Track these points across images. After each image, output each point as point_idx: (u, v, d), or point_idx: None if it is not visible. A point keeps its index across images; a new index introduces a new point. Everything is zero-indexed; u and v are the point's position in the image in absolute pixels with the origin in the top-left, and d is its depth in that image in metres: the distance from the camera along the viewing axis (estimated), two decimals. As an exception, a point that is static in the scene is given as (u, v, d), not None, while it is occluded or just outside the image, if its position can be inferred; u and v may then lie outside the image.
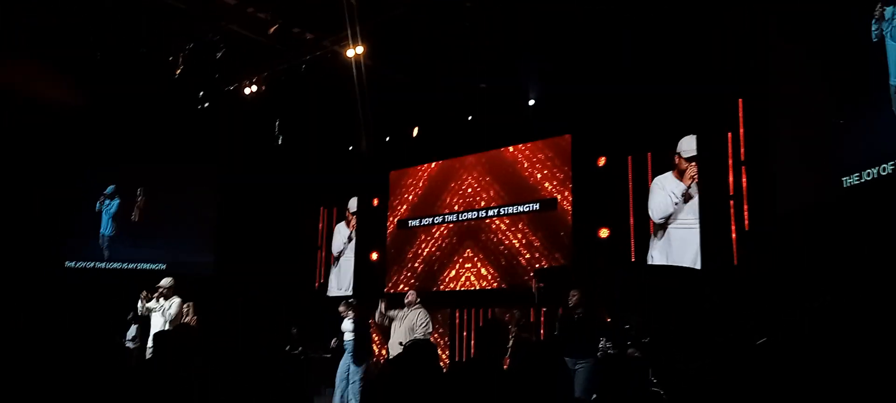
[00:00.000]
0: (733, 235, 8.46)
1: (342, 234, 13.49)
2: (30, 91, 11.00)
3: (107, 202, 13.74)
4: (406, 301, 8.85)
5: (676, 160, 9.15)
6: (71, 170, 13.47)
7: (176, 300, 8.73)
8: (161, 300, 8.67)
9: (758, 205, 8.17)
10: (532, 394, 3.24)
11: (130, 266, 13.55)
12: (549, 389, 3.15)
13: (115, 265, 13.56)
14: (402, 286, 12.02)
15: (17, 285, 11.12)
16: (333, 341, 9.79)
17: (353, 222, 13.26)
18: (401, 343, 8.09)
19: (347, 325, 9.17)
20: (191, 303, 9.14)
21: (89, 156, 13.48)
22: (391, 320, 8.81)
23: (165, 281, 8.85)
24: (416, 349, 3.61)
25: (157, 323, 8.57)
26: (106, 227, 13.74)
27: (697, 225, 8.77)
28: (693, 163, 8.98)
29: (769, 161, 7.69)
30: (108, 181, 13.86)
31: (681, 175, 9.09)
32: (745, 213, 8.35)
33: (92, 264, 13.52)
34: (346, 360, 8.97)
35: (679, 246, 8.92)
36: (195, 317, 9.03)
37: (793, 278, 7.07)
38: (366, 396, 3.19)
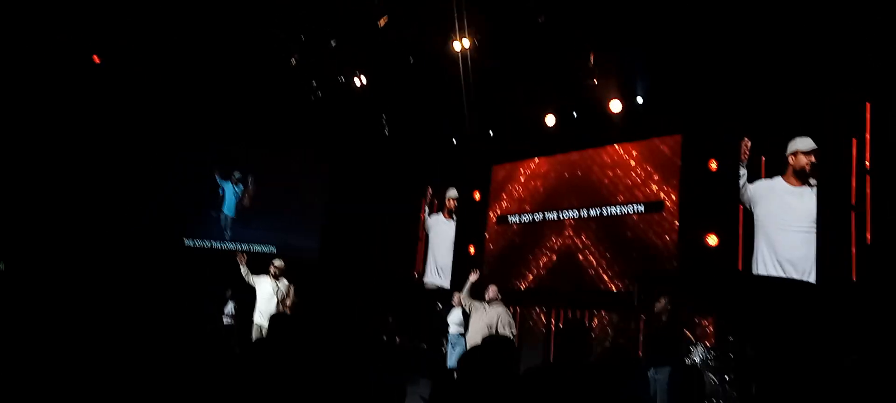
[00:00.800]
0: (853, 248, 7.88)
1: (439, 224, 13.57)
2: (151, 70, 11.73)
3: (230, 184, 14.33)
4: (487, 296, 8.31)
5: (792, 160, 8.57)
6: (192, 152, 14.18)
7: (285, 281, 9.13)
8: (276, 279, 9.10)
9: (881, 217, 7.56)
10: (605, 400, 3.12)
11: (244, 246, 14.15)
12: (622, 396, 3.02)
13: (231, 245, 14.19)
14: (496, 279, 11.98)
15: (137, 262, 11.89)
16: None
17: (450, 212, 13.27)
18: (477, 341, 7.92)
19: (455, 317, 9.13)
20: (292, 286, 9.46)
21: (212, 140, 14.14)
22: (471, 309, 8.44)
23: (279, 262, 9.27)
24: (494, 344, 3.54)
25: (267, 300, 8.93)
26: (230, 208, 14.35)
27: (812, 232, 8.21)
28: (809, 158, 8.38)
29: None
30: (229, 163, 14.45)
31: (799, 175, 8.51)
32: (868, 225, 7.75)
33: (209, 243, 14.20)
34: (452, 356, 8.83)
35: (792, 249, 8.40)
36: (295, 300, 9.30)
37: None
38: (437, 388, 3.14)
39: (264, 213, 14.28)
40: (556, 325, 10.95)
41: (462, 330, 8.32)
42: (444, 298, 11.44)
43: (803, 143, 8.46)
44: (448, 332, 9.60)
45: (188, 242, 14.11)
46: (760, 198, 8.86)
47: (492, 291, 8.32)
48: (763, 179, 8.85)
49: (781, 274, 8.35)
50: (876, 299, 7.20)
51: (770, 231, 8.66)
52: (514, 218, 12.18)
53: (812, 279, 8.12)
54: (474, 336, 8.01)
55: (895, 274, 7.10)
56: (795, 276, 8.19)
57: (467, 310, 8.51)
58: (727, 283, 8.84)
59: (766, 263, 8.63)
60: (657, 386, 6.86)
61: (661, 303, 7.41)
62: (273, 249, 13.60)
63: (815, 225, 8.22)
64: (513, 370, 3.71)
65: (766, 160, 8.92)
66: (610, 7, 8.91)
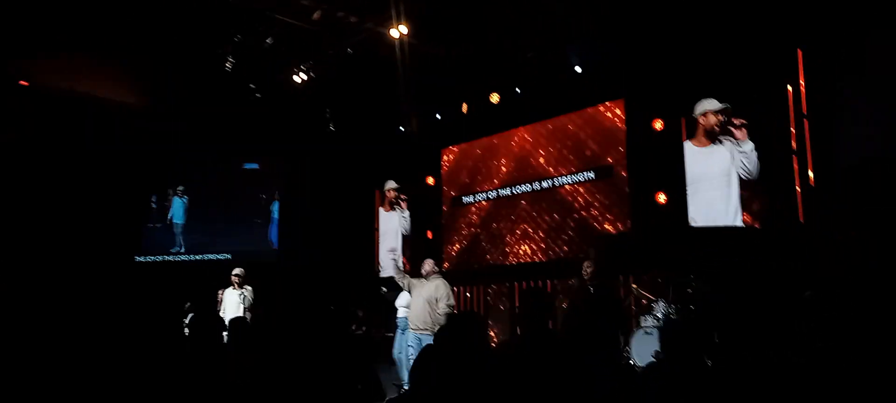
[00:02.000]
0: (798, 190, 8.12)
1: (384, 217, 13.60)
2: (86, 90, 11.39)
3: (176, 198, 14.02)
4: (424, 270, 8.19)
5: (702, 120, 8.90)
6: (132, 165, 13.80)
7: (249, 288, 9.17)
8: (240, 288, 9.24)
9: (821, 159, 7.81)
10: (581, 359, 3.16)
11: (198, 257, 13.89)
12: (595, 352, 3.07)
13: (184, 257, 13.91)
14: (456, 262, 12.03)
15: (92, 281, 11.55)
16: None
17: (398, 201, 13.26)
18: (419, 316, 7.87)
19: (403, 300, 9.14)
20: (249, 288, 9.48)
21: (149, 151, 13.76)
22: (411, 288, 8.35)
23: (239, 270, 9.36)
24: (462, 321, 3.56)
25: (235, 311, 8.96)
26: (179, 218, 14.04)
27: (731, 185, 8.53)
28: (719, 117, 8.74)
29: (832, 114, 7.35)
30: (172, 173, 14.12)
31: (709, 135, 8.81)
32: (810, 168, 7.99)
33: (161, 258, 13.89)
34: (401, 338, 8.85)
35: (713, 206, 8.73)
36: (252, 303, 9.30)
37: (863, 234, 6.76)
38: (414, 371, 3.13)
39: (216, 221, 14.03)
40: (520, 298, 11.05)
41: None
42: (389, 284, 11.49)
43: (711, 104, 8.84)
44: (397, 316, 9.60)
45: (140, 258, 13.78)
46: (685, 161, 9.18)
47: (428, 265, 8.24)
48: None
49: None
50: (823, 238, 7.43)
51: (693, 193, 9.02)
52: (468, 199, 12.22)
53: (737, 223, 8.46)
54: (415, 311, 8.00)
55: (839, 214, 7.33)
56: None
57: (407, 290, 8.48)
58: (680, 237, 9.03)
59: (695, 222, 8.96)
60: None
61: (587, 269, 7.44)
62: (228, 256, 13.42)
63: (728, 178, 8.59)
64: (484, 343, 3.73)
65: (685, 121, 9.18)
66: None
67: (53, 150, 11.96)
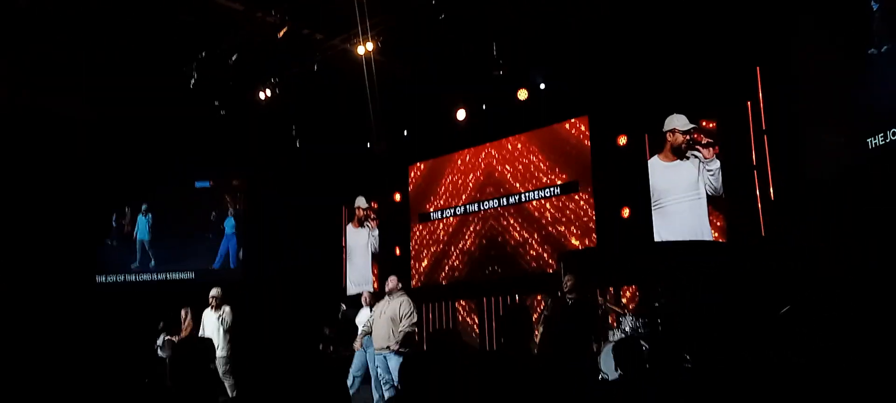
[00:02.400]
0: (759, 205, 8.33)
1: (352, 234, 13.55)
2: (49, 106, 11.15)
3: (140, 216, 13.79)
4: (387, 288, 8.15)
5: (670, 137, 9.11)
6: (92, 184, 13.53)
7: (227, 308, 9.05)
8: (217, 309, 9.09)
9: (782, 175, 8.03)
10: (560, 377, 3.20)
11: (160, 276, 13.65)
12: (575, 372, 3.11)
13: (146, 276, 13.66)
14: (424, 278, 12.02)
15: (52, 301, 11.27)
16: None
17: (368, 220, 13.23)
18: (382, 335, 7.85)
19: (363, 317, 9.11)
20: (188, 309, 9.36)
21: (109, 171, 13.51)
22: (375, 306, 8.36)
23: (216, 291, 9.21)
24: (439, 341, 3.57)
25: (214, 332, 8.90)
26: (143, 235, 13.80)
27: (699, 199, 8.74)
28: (686, 136, 8.97)
29: (791, 128, 7.56)
30: (128, 190, 13.88)
31: (676, 151, 9.00)
32: (770, 183, 8.21)
33: (122, 277, 13.62)
34: (359, 356, 8.79)
35: (680, 220, 8.92)
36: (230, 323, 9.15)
37: (824, 246, 6.95)
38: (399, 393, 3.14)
39: (173, 239, 13.81)
40: (492, 313, 11.09)
41: (370, 329, 8.35)
42: (348, 301, 11.50)
43: (680, 121, 9.09)
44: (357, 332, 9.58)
45: (100, 278, 13.49)
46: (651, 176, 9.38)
47: (391, 282, 8.22)
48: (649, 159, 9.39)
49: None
50: (784, 251, 7.62)
51: (659, 207, 9.21)
52: (436, 215, 12.24)
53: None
54: (379, 330, 7.97)
55: (800, 226, 7.52)
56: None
57: (370, 310, 8.59)
58: (644, 252, 9.17)
59: (660, 236, 9.15)
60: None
61: (568, 282, 7.57)
62: (191, 275, 13.23)
63: (696, 193, 8.82)
64: (460, 359, 3.74)
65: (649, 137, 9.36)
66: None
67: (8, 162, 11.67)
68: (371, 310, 8.72)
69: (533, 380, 2.95)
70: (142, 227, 13.73)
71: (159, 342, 10.75)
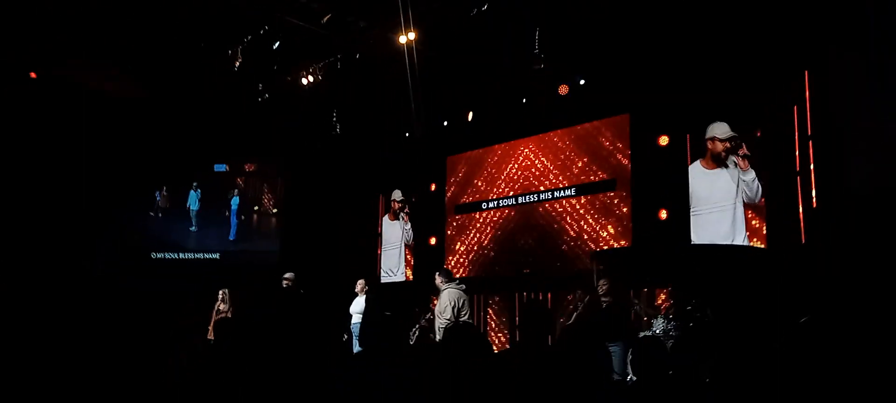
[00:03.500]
0: (801, 212, 8.12)
1: (387, 226, 13.65)
2: (95, 86, 11.44)
3: (191, 191, 14.24)
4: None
5: (710, 145, 8.97)
6: (141, 164, 13.92)
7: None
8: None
9: (826, 182, 7.81)
10: (575, 375, 3.16)
11: (199, 255, 13.98)
12: (590, 369, 3.07)
13: (190, 255, 14.04)
14: (459, 271, 12.03)
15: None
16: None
17: (402, 213, 13.30)
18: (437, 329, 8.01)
19: (357, 306, 9.20)
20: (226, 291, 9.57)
21: (155, 152, 13.88)
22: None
23: (290, 274, 9.56)
24: (453, 334, 3.56)
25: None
26: (195, 206, 14.31)
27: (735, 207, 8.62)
28: (726, 144, 8.83)
29: (838, 136, 7.35)
30: (177, 174, 14.27)
31: (715, 159, 8.87)
32: (813, 190, 8.00)
33: (176, 255, 14.03)
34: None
35: (714, 228, 8.82)
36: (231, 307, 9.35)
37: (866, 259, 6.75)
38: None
39: (217, 220, 14.16)
40: (520, 308, 11.06)
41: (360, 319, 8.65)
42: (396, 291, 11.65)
43: (720, 130, 8.91)
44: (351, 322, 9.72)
45: (156, 255, 13.96)
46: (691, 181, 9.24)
47: (437, 279, 8.38)
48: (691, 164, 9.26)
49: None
50: (824, 260, 7.42)
51: (696, 213, 9.08)
52: (471, 207, 12.23)
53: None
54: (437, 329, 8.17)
55: (841, 236, 7.32)
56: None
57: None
58: (680, 254, 9.03)
59: (697, 241, 9.00)
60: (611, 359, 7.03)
61: (603, 286, 7.57)
62: (216, 256, 13.62)
63: (732, 202, 8.67)
64: (483, 352, 3.73)
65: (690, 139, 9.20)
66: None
67: (58, 142, 12.02)
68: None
69: (539, 375, 2.94)
70: (193, 200, 14.27)
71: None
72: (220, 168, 14.39)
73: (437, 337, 7.90)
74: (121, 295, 11.13)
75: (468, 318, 8.13)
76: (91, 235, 12.92)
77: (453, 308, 7.92)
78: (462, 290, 8.19)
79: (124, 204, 13.81)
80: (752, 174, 8.62)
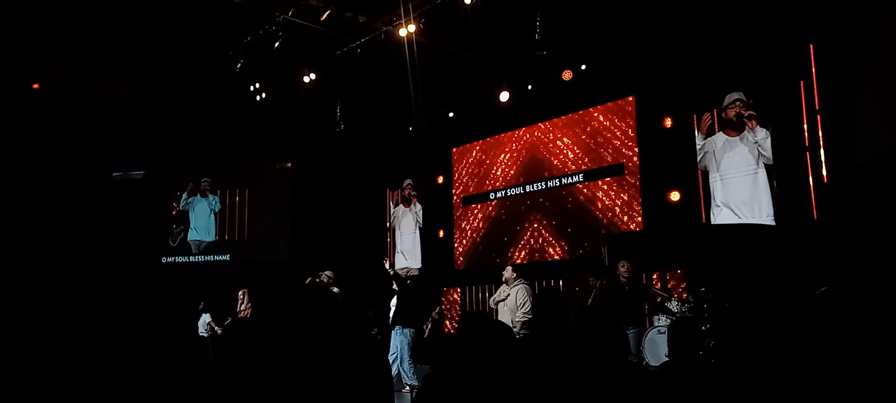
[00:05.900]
0: (811, 187, 8.05)
1: (400, 213, 13.60)
2: (95, 91, 11.44)
3: (199, 197, 14.21)
4: (504, 278, 8.50)
5: (724, 115, 9.02)
6: (146, 168, 13.95)
7: (335, 289, 9.08)
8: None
9: (834, 156, 7.74)
10: (591, 358, 3.13)
11: (209, 258, 13.99)
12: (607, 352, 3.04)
13: (199, 258, 14.05)
14: (467, 261, 12.00)
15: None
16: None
17: (413, 197, 13.27)
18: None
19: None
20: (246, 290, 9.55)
21: (160, 154, 13.89)
22: (497, 303, 8.59)
23: (329, 272, 9.34)
24: (470, 323, 3.52)
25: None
26: (215, 208, 14.33)
27: (757, 171, 8.66)
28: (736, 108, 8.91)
29: (845, 109, 7.27)
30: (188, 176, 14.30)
31: (733, 125, 8.90)
32: (823, 164, 7.93)
33: (185, 258, 14.03)
34: (395, 338, 8.92)
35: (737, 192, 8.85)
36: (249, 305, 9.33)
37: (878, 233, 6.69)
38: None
39: (228, 222, 14.18)
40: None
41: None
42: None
43: (729, 98, 8.97)
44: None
45: (167, 259, 13.95)
46: (710, 152, 9.21)
47: (507, 272, 8.56)
48: (711, 137, 9.20)
49: (736, 219, 8.61)
50: (836, 234, 7.36)
51: (720, 179, 9.05)
52: (479, 197, 12.19)
53: (767, 218, 8.37)
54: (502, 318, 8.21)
55: (853, 210, 7.26)
56: (749, 217, 8.43)
57: (495, 301, 8.73)
58: (692, 235, 8.97)
59: (722, 211, 8.96)
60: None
61: (623, 269, 7.56)
62: (226, 258, 13.61)
63: (754, 167, 8.66)
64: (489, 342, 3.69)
65: (718, 112, 9.12)
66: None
67: (63, 153, 12.04)
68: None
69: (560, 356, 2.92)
70: (197, 202, 14.27)
71: (201, 322, 10.97)
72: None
73: (516, 331, 7.85)
74: (126, 297, 11.17)
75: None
76: (91, 235, 12.94)
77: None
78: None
79: (132, 208, 13.80)
80: (762, 131, 8.63)
